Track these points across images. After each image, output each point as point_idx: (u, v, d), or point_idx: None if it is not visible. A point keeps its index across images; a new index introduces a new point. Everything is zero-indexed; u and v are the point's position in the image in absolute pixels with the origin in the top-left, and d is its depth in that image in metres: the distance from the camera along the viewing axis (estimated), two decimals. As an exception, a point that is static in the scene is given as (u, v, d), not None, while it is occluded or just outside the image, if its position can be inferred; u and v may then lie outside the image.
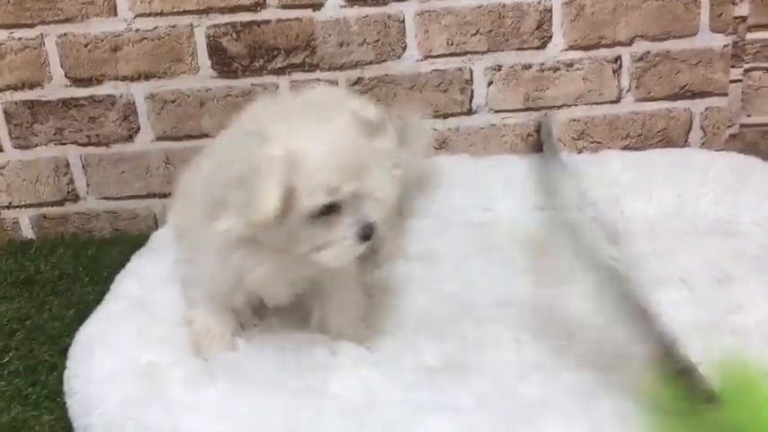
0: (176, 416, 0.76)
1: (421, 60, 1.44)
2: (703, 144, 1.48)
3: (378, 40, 1.43)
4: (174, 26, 1.40)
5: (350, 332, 0.98)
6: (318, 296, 0.99)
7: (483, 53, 1.43)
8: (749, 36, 1.42)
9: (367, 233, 0.86)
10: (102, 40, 1.41)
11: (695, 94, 1.45)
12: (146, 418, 0.77)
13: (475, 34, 1.42)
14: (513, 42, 1.43)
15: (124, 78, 1.43)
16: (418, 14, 1.41)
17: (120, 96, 1.44)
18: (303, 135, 0.84)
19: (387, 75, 1.45)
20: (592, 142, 1.48)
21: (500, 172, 1.36)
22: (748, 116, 1.47)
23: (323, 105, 0.92)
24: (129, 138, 1.47)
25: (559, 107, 1.46)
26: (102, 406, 0.81)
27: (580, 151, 1.48)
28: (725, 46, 1.42)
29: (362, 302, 1.04)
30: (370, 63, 1.44)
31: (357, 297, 1.03)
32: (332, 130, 0.86)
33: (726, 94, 1.45)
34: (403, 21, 1.41)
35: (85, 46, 1.41)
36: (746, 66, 1.43)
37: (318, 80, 1.44)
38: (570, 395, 0.82)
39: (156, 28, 1.40)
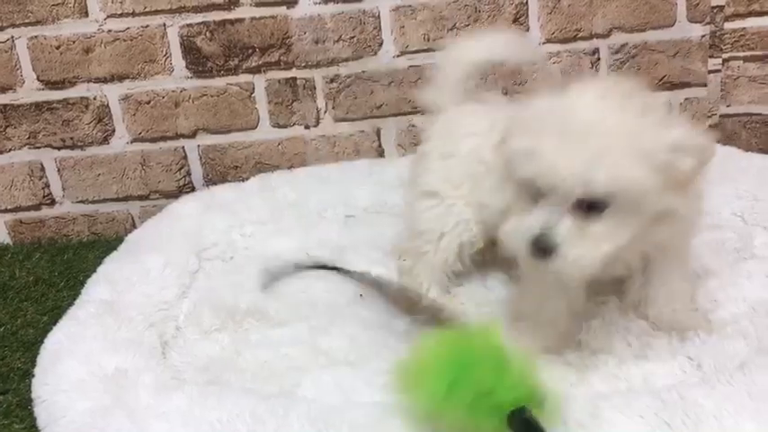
0: (142, 424, 0.75)
1: (397, 56, 1.43)
2: (683, 135, 1.47)
3: (353, 37, 1.41)
4: (147, 26, 1.39)
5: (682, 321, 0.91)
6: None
7: (460, 48, 1.42)
8: (727, 26, 1.41)
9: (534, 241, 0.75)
10: (74, 42, 1.39)
11: (674, 85, 1.44)
12: (111, 427, 0.76)
13: (451, 29, 1.41)
14: (490, 36, 1.41)
15: (97, 80, 1.41)
16: (393, 10, 1.39)
17: (94, 98, 1.42)
18: None
19: (363, 71, 1.43)
20: (571, 136, 1.47)
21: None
22: (728, 106, 1.46)
23: None
24: (105, 140, 1.45)
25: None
26: (69, 414, 0.80)
27: (560, 145, 1.47)
28: (703, 36, 1.41)
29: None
30: (347, 60, 1.43)
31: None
32: None
33: (705, 85, 1.44)
34: (378, 16, 1.40)
35: (57, 48, 1.39)
36: (725, 56, 1.42)
37: (295, 78, 1.43)
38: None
39: (128, 28, 1.39)
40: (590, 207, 0.73)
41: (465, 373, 0.68)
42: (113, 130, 1.45)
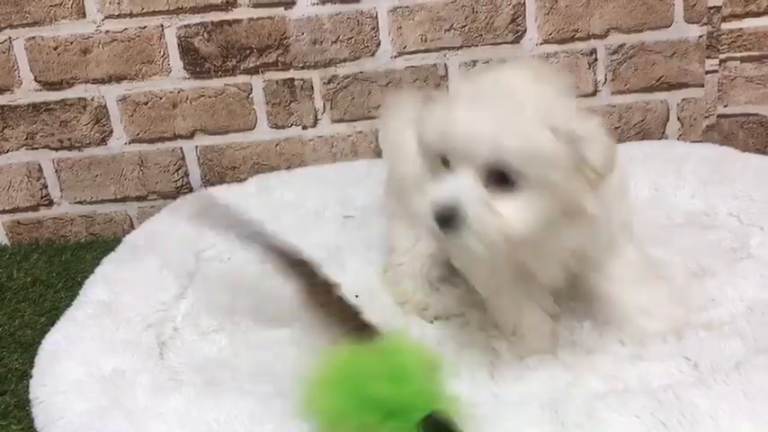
0: (139, 425, 0.75)
1: (395, 57, 1.43)
2: (681, 136, 1.48)
3: (351, 38, 1.41)
4: (145, 27, 1.39)
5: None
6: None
7: (457, 49, 1.42)
8: (724, 26, 1.41)
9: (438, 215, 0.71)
10: (72, 43, 1.39)
11: (671, 86, 1.44)
12: (109, 428, 0.76)
13: (449, 30, 1.41)
14: (487, 37, 1.42)
15: (95, 81, 1.41)
16: (391, 11, 1.39)
17: (92, 99, 1.42)
18: None
19: (361, 72, 1.44)
20: (569, 136, 1.48)
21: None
22: (725, 107, 1.46)
23: None
24: (102, 141, 1.45)
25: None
26: (66, 416, 0.80)
27: (557, 145, 1.47)
28: (700, 37, 1.41)
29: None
30: (344, 60, 1.43)
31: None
32: None
33: (702, 85, 1.44)
34: (376, 17, 1.40)
35: (54, 49, 1.39)
36: (722, 56, 1.43)
37: (292, 79, 1.43)
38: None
39: (125, 29, 1.39)
40: (501, 180, 0.70)
41: (362, 387, 0.67)
42: (111, 131, 1.45)
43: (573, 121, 0.72)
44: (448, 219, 0.70)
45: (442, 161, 0.74)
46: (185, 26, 1.39)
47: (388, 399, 0.66)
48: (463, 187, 0.70)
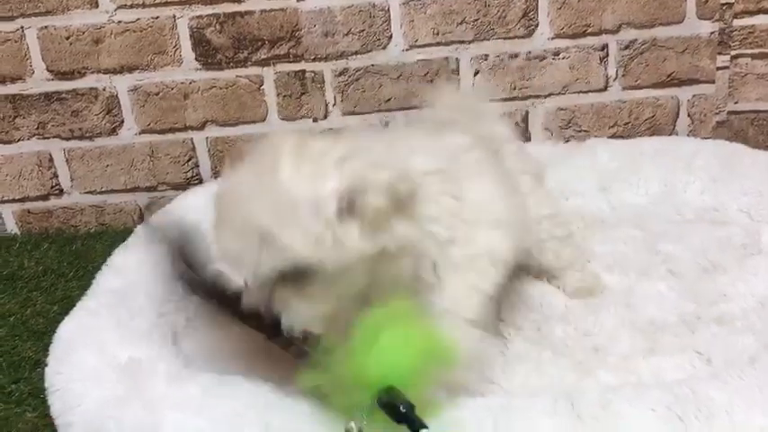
0: (157, 413, 0.75)
1: (407, 50, 1.43)
2: (691, 132, 1.48)
3: (363, 30, 1.41)
4: (157, 18, 1.39)
5: None
6: None
7: (469, 42, 1.42)
8: (736, 22, 1.41)
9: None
10: (84, 33, 1.39)
11: (682, 82, 1.44)
12: (126, 416, 0.76)
13: (461, 23, 1.41)
14: (499, 31, 1.42)
15: (107, 71, 1.42)
16: (403, 4, 1.39)
17: (103, 89, 1.43)
18: None
19: (373, 65, 1.44)
20: (579, 131, 1.48)
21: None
22: (735, 103, 1.46)
23: None
24: (113, 131, 1.46)
25: (546, 96, 1.46)
26: (83, 403, 0.80)
27: (567, 140, 1.47)
28: (711, 33, 1.41)
29: None
30: (356, 53, 1.43)
31: None
32: None
33: (713, 82, 1.44)
34: (388, 10, 1.40)
35: (67, 39, 1.39)
36: (733, 52, 1.43)
37: (304, 71, 1.43)
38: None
39: (138, 20, 1.39)
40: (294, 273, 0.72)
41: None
42: (122, 122, 1.45)
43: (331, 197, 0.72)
44: (272, 323, 0.75)
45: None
46: (197, 17, 1.39)
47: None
48: (267, 293, 0.74)
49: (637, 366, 0.88)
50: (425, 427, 0.66)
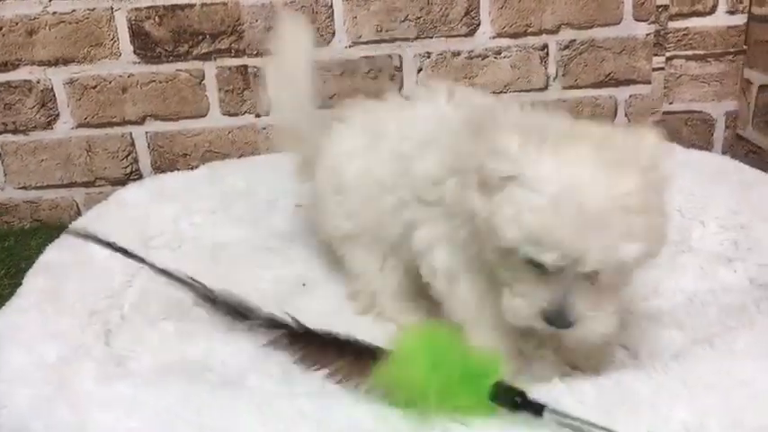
0: (84, 414, 0.74)
1: (350, 46, 1.43)
2: (628, 131, 1.51)
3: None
4: (93, 9, 1.36)
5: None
6: None
7: (412, 40, 1.43)
8: (671, 25, 1.45)
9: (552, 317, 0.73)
10: (17, 24, 1.35)
11: (620, 82, 1.48)
12: (53, 417, 0.74)
13: (404, 21, 1.42)
14: (441, 29, 1.43)
15: (41, 63, 1.38)
16: (346, 0, 1.39)
17: (38, 82, 1.39)
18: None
19: (316, 61, 1.42)
20: (520, 129, 1.50)
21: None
22: (670, 103, 1.50)
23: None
24: (48, 125, 1.42)
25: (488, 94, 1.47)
26: (9, 405, 0.78)
27: (509, 138, 1.49)
28: (648, 34, 1.45)
29: None
30: (299, 49, 1.42)
31: None
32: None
33: (649, 82, 1.48)
34: (331, 6, 1.40)
35: (-1, 29, 1.35)
36: (668, 54, 1.47)
37: (246, 66, 1.42)
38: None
39: (73, 11, 1.35)
40: (586, 276, 0.73)
41: (440, 360, 0.72)
42: (57, 115, 1.41)
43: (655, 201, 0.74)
44: (558, 319, 0.73)
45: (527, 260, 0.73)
46: (136, 9, 1.37)
47: (460, 366, 0.71)
48: (564, 292, 0.73)
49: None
50: (543, 406, 0.68)
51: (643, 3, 1.42)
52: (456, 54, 1.44)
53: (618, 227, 0.69)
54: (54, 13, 1.35)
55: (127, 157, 1.45)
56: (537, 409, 0.69)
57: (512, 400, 0.70)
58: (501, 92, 1.47)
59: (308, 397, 0.77)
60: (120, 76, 1.40)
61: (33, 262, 1.11)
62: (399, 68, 1.45)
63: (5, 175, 1.44)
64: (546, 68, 1.46)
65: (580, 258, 0.70)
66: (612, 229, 0.69)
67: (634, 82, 1.48)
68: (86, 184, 1.46)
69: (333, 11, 1.40)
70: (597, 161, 0.70)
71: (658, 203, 0.76)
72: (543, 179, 0.70)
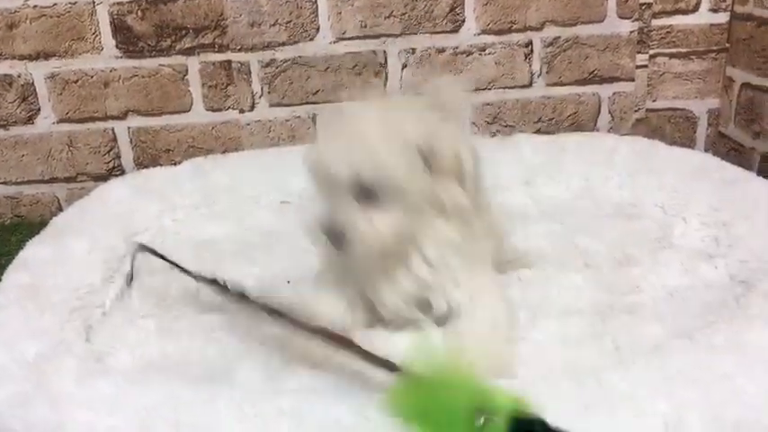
0: (63, 412, 0.73)
1: (334, 42, 1.42)
2: (611, 128, 1.52)
3: (290, 21, 1.40)
4: (75, 3, 1.34)
5: None
6: None
7: (397, 36, 1.43)
8: (654, 22, 1.46)
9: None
10: (-3, 17, 1.34)
11: (603, 80, 1.48)
12: (32, 415, 0.73)
13: (388, 17, 1.42)
14: (426, 26, 1.42)
15: (22, 57, 1.37)
16: (331, -5, 1.39)
17: (18, 76, 1.37)
18: None
19: (300, 56, 1.43)
20: (504, 126, 1.50)
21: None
22: (654, 101, 1.51)
23: None
24: (29, 120, 1.40)
25: (473, 91, 1.47)
26: (-13, 402, 0.77)
27: (493, 135, 1.49)
28: (631, 32, 1.45)
29: None
30: (283, 44, 1.41)
31: None
32: None
33: (632, 80, 1.49)
34: (315, 1, 1.39)
35: (-22, 23, 1.34)
36: (652, 51, 1.47)
37: (230, 61, 1.41)
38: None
39: (54, 5, 1.34)
40: (367, 196, 0.82)
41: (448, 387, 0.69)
42: (38, 110, 1.40)
43: (418, 134, 0.83)
44: (335, 237, 0.83)
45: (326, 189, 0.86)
46: (118, 3, 1.35)
47: (476, 395, 0.68)
48: (341, 207, 0.83)
49: (551, 356, 0.90)
50: None
51: (626, 0, 1.43)
52: (441, 50, 1.44)
53: (361, 139, 0.81)
54: (35, 6, 1.34)
55: (109, 152, 1.44)
56: None
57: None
58: (485, 89, 1.47)
59: (289, 394, 0.76)
60: (102, 70, 1.39)
61: (13, 258, 1.10)
62: (384, 65, 1.44)
63: (-15, 170, 1.43)
64: (530, 65, 1.46)
65: (332, 171, 0.82)
66: (358, 142, 0.81)
67: (618, 79, 1.48)
68: (68, 180, 1.45)
69: (317, 6, 1.39)
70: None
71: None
72: None
